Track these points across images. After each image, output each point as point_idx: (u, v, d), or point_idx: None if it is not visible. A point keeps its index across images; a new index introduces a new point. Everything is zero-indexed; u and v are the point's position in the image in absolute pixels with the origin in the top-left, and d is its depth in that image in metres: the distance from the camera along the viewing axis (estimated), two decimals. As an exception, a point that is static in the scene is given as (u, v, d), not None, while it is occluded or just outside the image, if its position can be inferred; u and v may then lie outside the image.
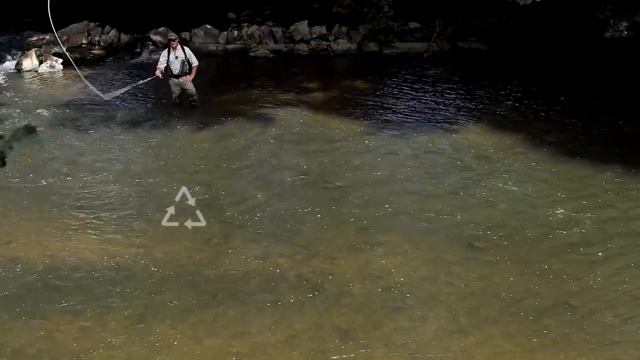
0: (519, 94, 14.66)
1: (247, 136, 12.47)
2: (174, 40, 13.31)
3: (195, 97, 13.53)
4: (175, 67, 13.20)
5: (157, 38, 18.31)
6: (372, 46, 18.21)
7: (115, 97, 13.82)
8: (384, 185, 10.57)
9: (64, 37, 17.62)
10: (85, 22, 18.47)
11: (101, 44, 18.10)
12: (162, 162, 11.39)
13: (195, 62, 13.34)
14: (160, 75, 13.25)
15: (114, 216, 9.60)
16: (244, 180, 10.81)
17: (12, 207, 9.77)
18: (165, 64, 13.22)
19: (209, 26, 18.58)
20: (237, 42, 18.42)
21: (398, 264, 8.47)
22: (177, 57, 13.17)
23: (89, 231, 9.19)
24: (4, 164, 2.10)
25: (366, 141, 12.21)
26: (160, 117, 13.32)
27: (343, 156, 11.64)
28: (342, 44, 18.32)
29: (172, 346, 7.02)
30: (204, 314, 7.54)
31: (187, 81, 13.36)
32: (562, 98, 14.23)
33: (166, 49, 13.45)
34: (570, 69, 15.26)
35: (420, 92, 15.05)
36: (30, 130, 2.20)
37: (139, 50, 18.19)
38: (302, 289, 7.96)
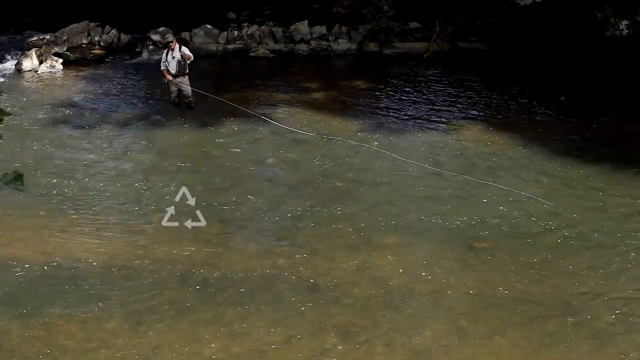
0: (519, 94, 14.66)
1: (247, 136, 12.48)
2: (171, 42, 13.43)
3: (191, 100, 13.55)
4: (172, 67, 13.28)
5: (157, 38, 18.30)
6: (372, 46, 18.21)
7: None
8: (383, 185, 10.58)
9: (64, 37, 17.63)
10: (85, 22, 18.46)
11: (101, 43, 18.09)
12: (161, 162, 11.40)
13: (189, 56, 13.19)
14: (171, 78, 13.31)
15: (114, 216, 9.61)
16: (244, 180, 10.82)
17: (11, 206, 9.76)
18: (165, 65, 13.30)
19: (209, 26, 18.58)
20: (237, 42, 18.41)
21: (398, 264, 8.47)
22: (174, 58, 13.26)
23: (88, 231, 9.19)
24: None
25: (366, 141, 12.20)
26: (159, 117, 13.32)
27: (343, 156, 11.64)
28: (342, 44, 18.31)
29: (172, 346, 7.02)
30: (204, 314, 7.54)
31: (184, 82, 13.38)
32: (562, 98, 14.23)
33: (166, 50, 13.54)
34: (570, 69, 15.26)
35: (420, 92, 15.05)
36: (18, 177, 2.20)
37: (139, 50, 18.20)
38: (302, 289, 7.97)
